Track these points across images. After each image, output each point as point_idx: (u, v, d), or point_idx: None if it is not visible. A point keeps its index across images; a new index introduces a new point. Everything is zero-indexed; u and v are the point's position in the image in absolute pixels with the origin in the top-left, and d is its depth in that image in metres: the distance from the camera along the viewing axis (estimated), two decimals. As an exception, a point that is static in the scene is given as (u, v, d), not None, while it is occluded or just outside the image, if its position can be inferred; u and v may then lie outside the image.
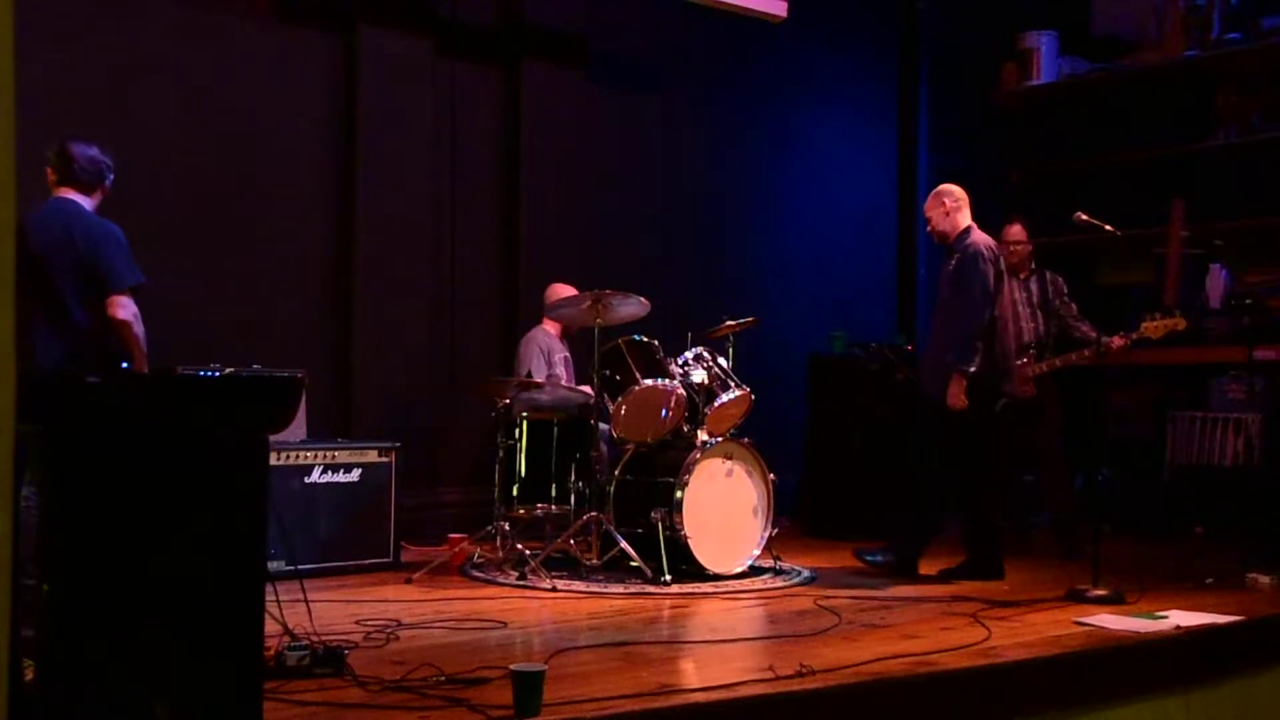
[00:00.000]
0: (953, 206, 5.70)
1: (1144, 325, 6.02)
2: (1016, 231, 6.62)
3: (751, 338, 6.52)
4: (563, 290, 6.34)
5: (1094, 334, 6.27)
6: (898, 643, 3.98)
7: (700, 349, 5.85)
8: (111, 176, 4.63)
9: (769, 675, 3.42)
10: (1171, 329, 6.00)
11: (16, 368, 2.00)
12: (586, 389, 6.00)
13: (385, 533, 5.68)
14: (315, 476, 5.48)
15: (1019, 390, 6.38)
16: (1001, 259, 5.65)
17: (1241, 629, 4.45)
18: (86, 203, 4.56)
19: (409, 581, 5.25)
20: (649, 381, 5.57)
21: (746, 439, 5.69)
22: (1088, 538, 5.42)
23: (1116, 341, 6.07)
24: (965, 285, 5.50)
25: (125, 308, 4.34)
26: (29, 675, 2.65)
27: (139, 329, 4.41)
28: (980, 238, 5.63)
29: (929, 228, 5.83)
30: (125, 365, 4.31)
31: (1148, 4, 8.43)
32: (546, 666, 3.11)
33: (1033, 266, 6.67)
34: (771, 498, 5.64)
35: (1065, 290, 6.62)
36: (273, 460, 5.13)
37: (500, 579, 5.28)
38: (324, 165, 6.54)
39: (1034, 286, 6.60)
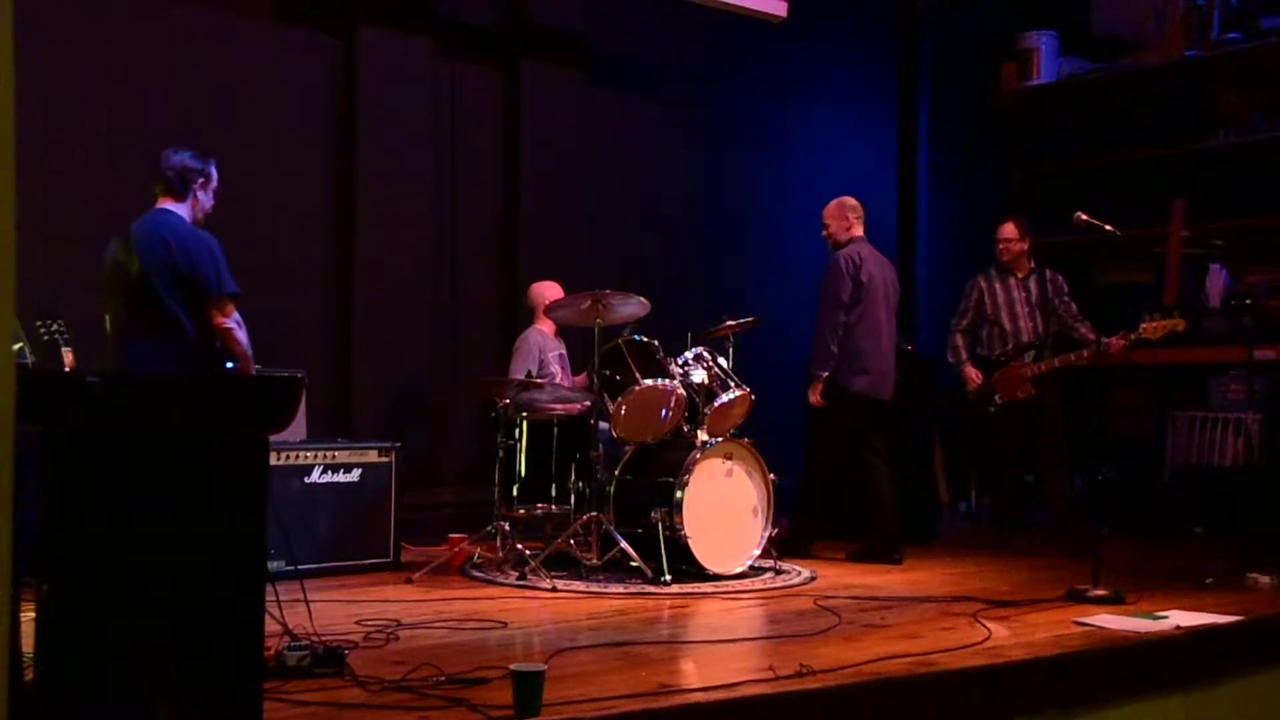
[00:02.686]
0: (854, 220, 6.32)
1: (1143, 326, 6.02)
2: (1009, 230, 6.62)
3: (751, 338, 6.53)
4: (550, 289, 6.35)
5: (1093, 335, 6.27)
6: (898, 643, 3.98)
7: (700, 349, 5.85)
8: (203, 180, 4.63)
9: (769, 675, 3.42)
10: (1170, 330, 6.00)
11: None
12: (581, 377, 6.00)
13: (385, 533, 5.68)
14: (315, 476, 5.48)
15: (1015, 392, 6.38)
16: (864, 270, 6.19)
17: (1241, 629, 4.44)
18: (183, 210, 4.59)
19: (409, 581, 5.25)
20: (649, 381, 5.57)
21: (746, 439, 5.69)
22: (1088, 538, 5.44)
23: (1115, 343, 6.07)
24: (821, 292, 6.23)
25: (226, 316, 4.43)
26: (29, 675, 2.65)
27: (241, 334, 4.49)
28: (852, 251, 6.25)
29: (825, 232, 6.40)
30: (230, 366, 4.41)
31: (1148, 4, 8.44)
32: (546, 666, 3.11)
33: (1032, 266, 6.66)
34: (771, 498, 5.64)
35: (1066, 290, 6.62)
36: (273, 460, 5.13)
37: (500, 579, 5.28)
38: (324, 165, 6.54)
39: (1033, 286, 6.60)
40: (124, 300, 4.49)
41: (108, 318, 4.64)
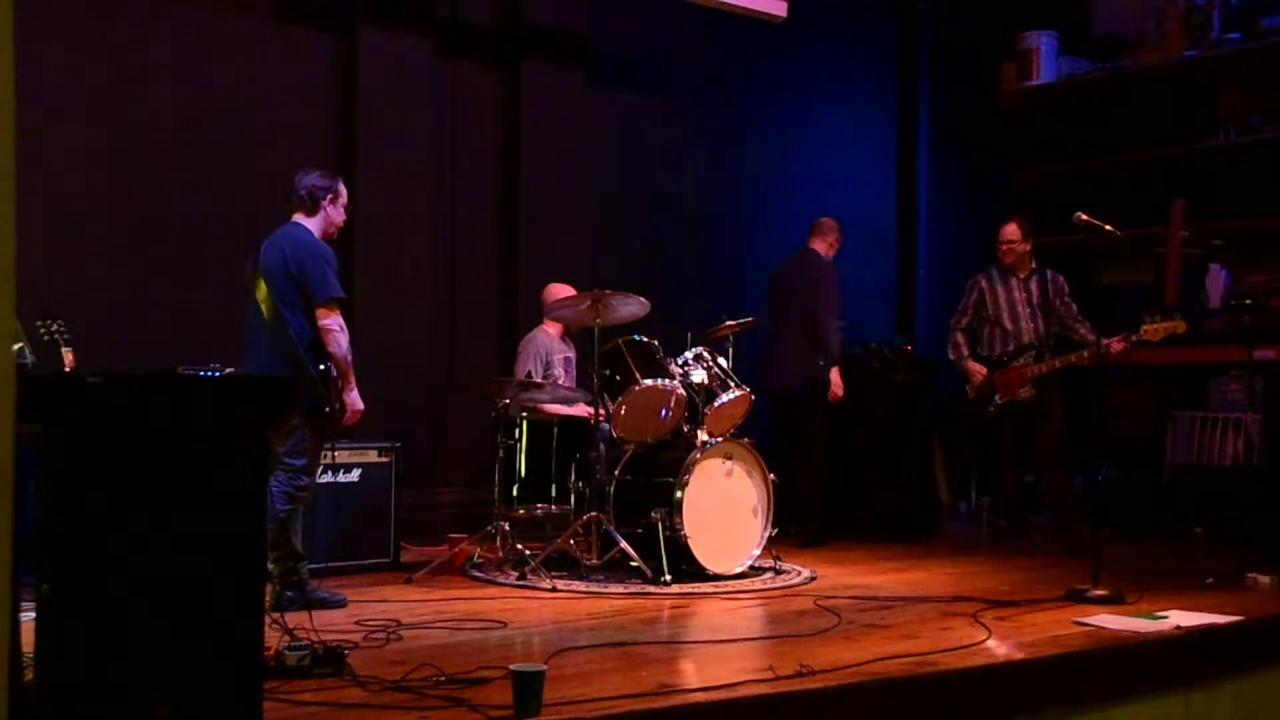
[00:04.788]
0: (835, 242, 7.09)
1: (1144, 328, 6.01)
2: (1011, 231, 6.61)
3: (752, 338, 6.53)
4: (560, 290, 6.33)
5: (1094, 336, 6.26)
6: (898, 643, 3.98)
7: (700, 349, 5.85)
8: (332, 195, 4.85)
9: (769, 675, 3.42)
10: (1171, 331, 5.99)
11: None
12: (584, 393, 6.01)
13: (385, 533, 5.68)
14: (315, 476, 5.47)
15: (1016, 392, 6.39)
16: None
17: (1241, 629, 4.44)
18: (312, 224, 4.81)
19: (409, 581, 5.26)
20: (649, 381, 5.57)
21: (746, 439, 5.69)
22: (1088, 538, 5.44)
23: (1116, 344, 6.07)
24: (826, 295, 6.83)
25: (327, 317, 4.62)
26: (29, 675, 2.66)
27: (342, 337, 4.67)
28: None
29: (837, 249, 7.05)
30: (323, 366, 4.61)
31: (1148, 4, 8.43)
32: (546, 666, 3.11)
33: (1033, 266, 6.65)
34: (772, 498, 5.64)
35: (1066, 290, 6.61)
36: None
37: (500, 579, 5.28)
38: (324, 165, 6.51)
39: (1034, 286, 6.59)
40: (253, 305, 4.73)
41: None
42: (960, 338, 6.75)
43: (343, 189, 4.94)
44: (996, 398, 6.51)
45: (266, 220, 6.23)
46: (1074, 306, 6.57)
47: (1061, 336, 6.53)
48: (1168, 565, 5.87)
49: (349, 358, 4.70)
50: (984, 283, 6.71)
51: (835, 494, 7.26)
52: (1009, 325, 6.58)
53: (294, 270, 4.63)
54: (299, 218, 4.83)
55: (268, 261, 4.69)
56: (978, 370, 6.61)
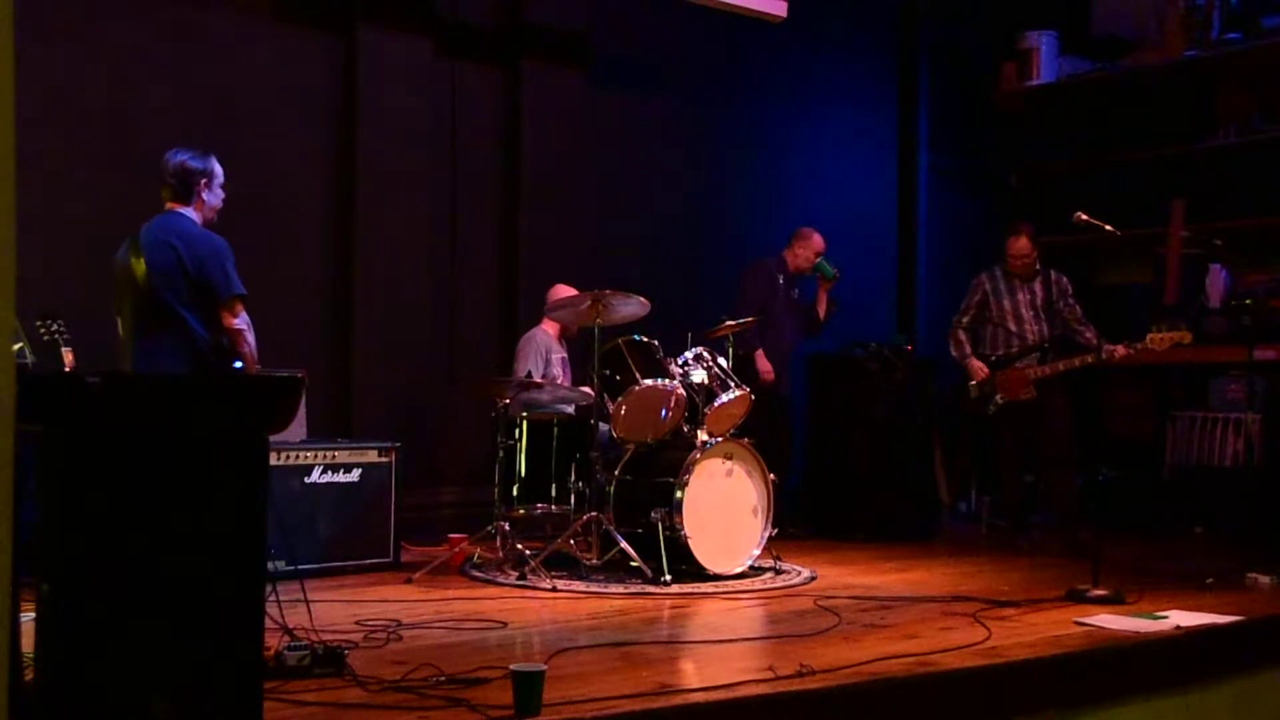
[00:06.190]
0: (797, 249, 7.21)
1: (1150, 337, 6.00)
2: (1024, 245, 6.54)
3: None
4: (565, 291, 6.33)
5: (1097, 340, 6.24)
6: (898, 643, 3.98)
7: (700, 349, 5.84)
8: (206, 179, 4.58)
9: (769, 675, 3.42)
10: (1176, 342, 5.97)
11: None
12: (586, 390, 6.00)
13: (385, 533, 5.68)
14: (315, 476, 5.48)
15: (1017, 393, 6.39)
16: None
17: (1241, 629, 4.45)
18: (191, 212, 4.57)
19: (409, 581, 5.25)
20: (649, 381, 5.57)
21: (746, 439, 5.69)
22: (1089, 538, 5.44)
23: (1120, 351, 6.06)
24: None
25: (235, 317, 4.45)
26: (29, 675, 2.65)
27: (250, 336, 4.50)
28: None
29: (801, 262, 7.19)
30: (237, 366, 4.42)
31: (1148, 4, 8.43)
32: (546, 666, 3.11)
33: (1038, 268, 6.63)
34: (772, 498, 5.64)
35: (1070, 292, 6.59)
36: (273, 460, 5.13)
37: (500, 579, 5.28)
38: (324, 165, 6.54)
39: (1038, 288, 6.56)
40: (135, 302, 4.49)
41: (119, 320, 4.63)
42: (962, 335, 6.75)
43: (218, 169, 4.65)
44: (998, 398, 6.52)
45: (266, 220, 6.27)
46: (1078, 309, 6.55)
47: (1064, 338, 6.53)
48: (1168, 565, 5.87)
49: (256, 357, 4.54)
50: (988, 283, 6.69)
51: (835, 494, 7.27)
52: (1012, 327, 6.58)
53: (191, 270, 4.41)
54: (176, 207, 4.56)
55: (156, 259, 4.43)
56: (980, 368, 6.60)
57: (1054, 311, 6.50)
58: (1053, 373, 6.36)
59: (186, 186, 4.55)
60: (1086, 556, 5.15)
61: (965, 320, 6.76)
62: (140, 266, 4.42)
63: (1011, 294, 6.61)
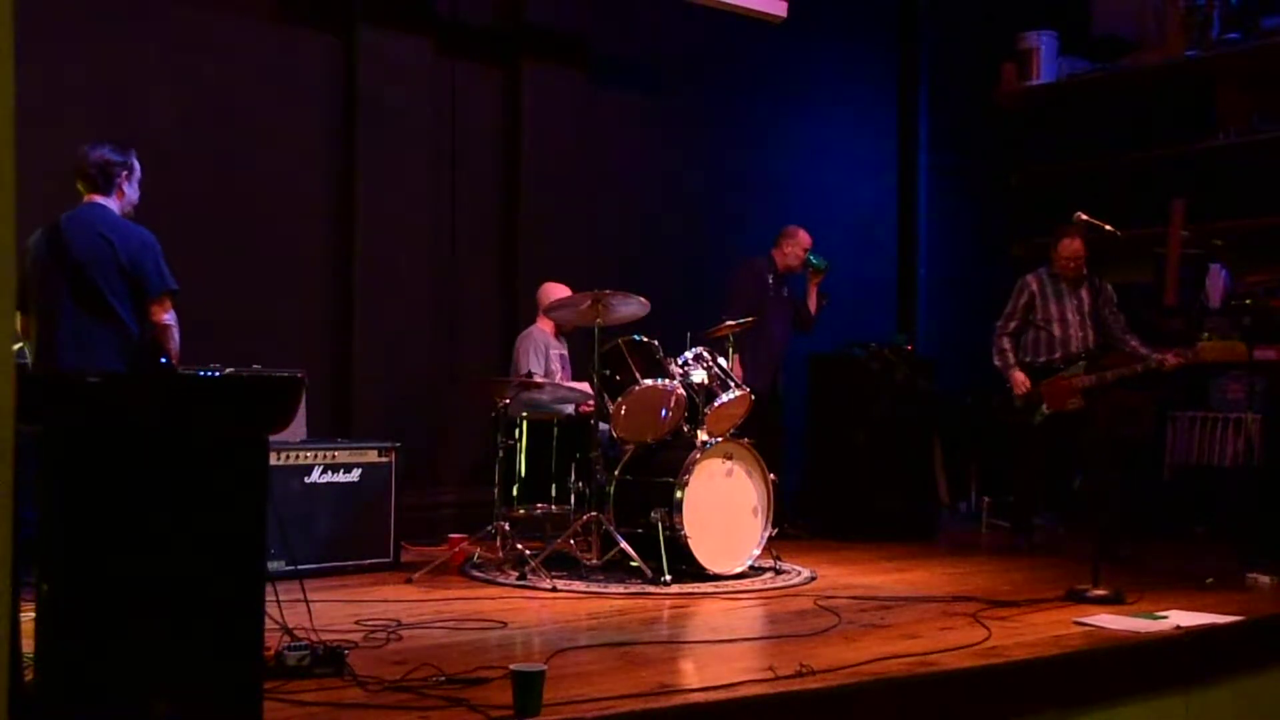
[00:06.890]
0: (785, 248, 7.16)
1: (1200, 345, 5.97)
2: (1076, 246, 6.39)
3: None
4: (555, 289, 6.34)
5: (1144, 349, 6.16)
6: (898, 643, 3.98)
7: (700, 349, 5.84)
8: (127, 172, 4.57)
9: (769, 675, 3.42)
10: (1228, 355, 5.93)
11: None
12: (584, 385, 6.01)
13: (385, 533, 5.68)
14: (315, 476, 5.48)
15: (1064, 403, 6.27)
16: None
17: (1241, 629, 4.44)
18: (113, 205, 4.55)
19: (409, 581, 5.25)
20: (649, 381, 5.57)
21: (746, 439, 5.69)
22: (1129, 551, 5.51)
23: (1170, 359, 6.02)
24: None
25: (165, 312, 4.43)
26: (29, 675, 2.65)
27: (176, 332, 4.48)
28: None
29: (790, 260, 7.15)
30: (164, 362, 4.40)
31: (1148, 4, 8.43)
32: (546, 666, 3.11)
33: (1084, 272, 6.44)
34: (771, 498, 5.64)
35: (1115, 300, 6.47)
36: (273, 460, 5.13)
37: (500, 579, 5.28)
38: (324, 165, 6.54)
39: (1085, 294, 6.38)
40: (57, 295, 4.41)
41: (29, 315, 4.51)
42: (1007, 343, 6.57)
43: (137, 164, 4.63)
44: (1044, 408, 6.40)
45: (266, 219, 6.28)
46: (1122, 317, 6.43)
47: (1107, 348, 6.42)
48: (1168, 565, 5.87)
49: (179, 355, 4.52)
50: (1034, 285, 6.54)
51: (835, 494, 7.27)
52: (1057, 332, 6.44)
53: (124, 261, 4.38)
54: (95, 198, 4.52)
55: (83, 250, 4.39)
56: (1022, 381, 6.44)
57: (1100, 320, 6.39)
58: (1102, 382, 6.27)
59: (108, 178, 4.53)
60: (1127, 569, 5.09)
61: (1012, 327, 6.57)
62: (66, 256, 4.35)
63: (1059, 298, 6.46)
